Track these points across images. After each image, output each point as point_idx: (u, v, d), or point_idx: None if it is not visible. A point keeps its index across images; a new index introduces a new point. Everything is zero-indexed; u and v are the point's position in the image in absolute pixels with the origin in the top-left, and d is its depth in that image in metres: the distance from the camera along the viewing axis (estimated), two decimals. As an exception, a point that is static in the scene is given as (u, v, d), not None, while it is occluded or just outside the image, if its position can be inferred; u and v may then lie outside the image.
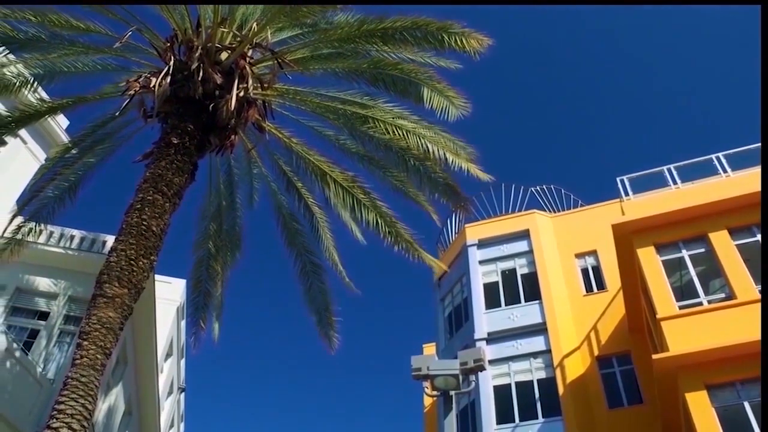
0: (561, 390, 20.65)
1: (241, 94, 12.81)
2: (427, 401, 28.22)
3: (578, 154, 75.12)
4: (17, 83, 14.34)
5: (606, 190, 51.29)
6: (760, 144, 18.43)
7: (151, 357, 21.36)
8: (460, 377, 9.01)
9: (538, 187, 28.06)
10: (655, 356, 15.34)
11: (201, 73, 12.51)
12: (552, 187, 28.44)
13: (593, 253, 24.44)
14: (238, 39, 13.21)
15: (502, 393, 21.47)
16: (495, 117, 71.21)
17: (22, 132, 18.01)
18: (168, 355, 28.49)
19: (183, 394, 35.08)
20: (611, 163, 69.38)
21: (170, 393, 30.95)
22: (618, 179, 20.28)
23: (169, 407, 30.99)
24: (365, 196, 14.53)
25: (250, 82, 12.95)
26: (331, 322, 16.33)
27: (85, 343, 10.12)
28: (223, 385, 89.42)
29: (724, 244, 16.72)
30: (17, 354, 14.97)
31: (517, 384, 21.56)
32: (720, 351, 14.22)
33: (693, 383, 14.45)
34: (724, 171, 18.89)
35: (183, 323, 30.29)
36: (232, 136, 13.65)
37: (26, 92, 14.78)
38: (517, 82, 72.15)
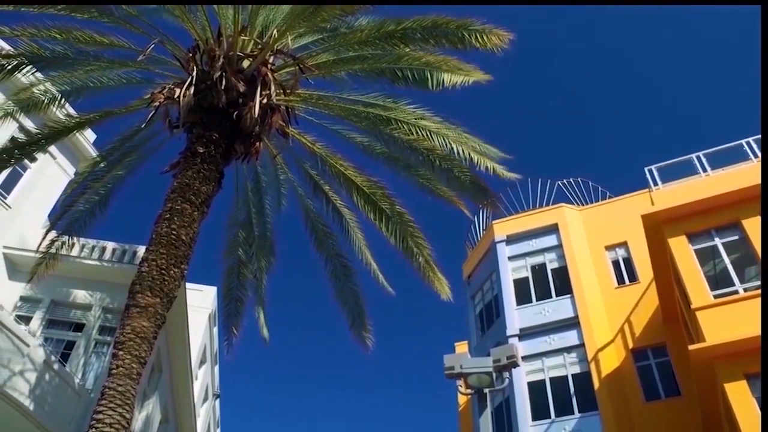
0: (596, 384, 20.46)
1: (264, 100, 12.87)
2: (462, 399, 28.14)
3: (605, 145, 74.35)
4: (45, 100, 14.59)
5: (634, 180, 50.64)
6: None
7: (185, 364, 21.59)
8: (494, 375, 8.94)
9: (565, 181, 27.87)
10: (691, 347, 15.09)
11: (224, 82, 12.60)
12: (579, 179, 28.23)
13: (624, 244, 24.17)
14: (259, 46, 13.28)
15: (536, 389, 21.33)
16: (519, 112, 70.77)
17: (52, 148, 18.33)
18: (202, 362, 28.77)
19: (218, 400, 35.39)
20: (639, 154, 68.54)
21: (205, 399, 31.23)
22: (646, 169, 19.99)
23: (205, 414, 31.27)
24: (389, 205, 14.57)
25: (273, 88, 13.02)
26: (364, 323, 16.34)
27: (121, 353, 10.26)
28: (258, 389, 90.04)
29: (758, 230, 16.39)
30: (55, 366, 15.23)
31: (552, 379, 21.41)
32: (758, 339, 13.92)
33: (732, 373, 14.18)
34: (755, 156, 18.51)
35: (215, 330, 30.56)
36: (257, 143, 13.72)
37: (54, 109, 15.03)
38: (539, 75, 71.66)
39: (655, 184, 19.59)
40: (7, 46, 15.89)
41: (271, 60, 13.60)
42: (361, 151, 15.03)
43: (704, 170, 19.10)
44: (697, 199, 17.46)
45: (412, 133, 13.51)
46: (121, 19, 12.95)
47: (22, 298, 17.90)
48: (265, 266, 17.41)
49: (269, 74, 13.11)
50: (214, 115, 12.84)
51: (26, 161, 18.46)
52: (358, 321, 16.30)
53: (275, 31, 12.89)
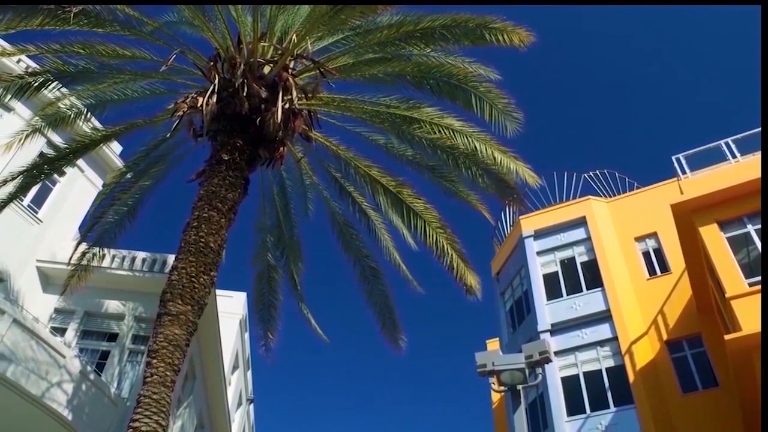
0: (631, 377, 20.21)
1: (286, 106, 12.91)
2: (495, 397, 28.00)
3: (631, 136, 73.54)
4: (72, 115, 14.85)
5: (662, 170, 49.95)
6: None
7: (218, 370, 21.76)
8: (526, 371, 8.91)
9: (591, 173, 27.58)
10: (727, 336, 14.83)
11: (246, 89, 12.68)
12: (605, 171, 27.92)
13: (653, 235, 23.84)
14: (279, 52, 13.34)
15: (570, 384, 21.14)
16: (541, 105, 70.29)
17: (79, 161, 18.60)
18: (234, 367, 28.98)
19: (252, 405, 35.62)
20: (665, 143, 67.64)
21: (239, 405, 31.46)
22: (674, 158, 19.71)
23: (240, 419, 31.51)
24: (416, 204, 14.50)
25: (294, 93, 13.06)
26: (395, 324, 16.30)
27: (154, 361, 10.38)
28: (291, 392, 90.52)
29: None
30: (92, 376, 15.44)
31: (586, 374, 21.20)
32: (796, 327, 13.64)
33: (770, 362, 13.91)
34: (787, 139, 18.11)
35: (246, 335, 30.77)
36: (281, 148, 13.78)
37: (80, 123, 15.27)
38: (561, 67, 71.08)
39: (684, 172, 19.29)
40: (33, 64, 16.20)
41: (291, 65, 13.66)
42: (385, 152, 15.00)
43: (734, 156, 18.76)
44: (727, 186, 17.12)
45: (435, 132, 13.42)
46: (142, 32, 13.10)
47: (56, 310, 18.22)
48: (295, 270, 17.49)
49: (290, 79, 13.16)
50: (237, 122, 12.93)
51: (55, 176, 18.77)
52: (388, 322, 16.27)
53: (294, 36, 12.95)
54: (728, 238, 16.77)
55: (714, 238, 16.86)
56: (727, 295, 15.58)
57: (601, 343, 21.65)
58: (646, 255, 23.77)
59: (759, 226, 16.57)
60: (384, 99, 14.13)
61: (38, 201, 19.60)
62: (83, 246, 16.75)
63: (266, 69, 13.34)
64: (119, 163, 21.24)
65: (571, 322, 22.42)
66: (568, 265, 24.34)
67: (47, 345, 14.57)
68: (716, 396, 18.81)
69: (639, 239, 24.22)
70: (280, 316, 17.90)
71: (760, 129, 18.21)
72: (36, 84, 13.56)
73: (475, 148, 13.22)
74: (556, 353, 20.83)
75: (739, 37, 60.60)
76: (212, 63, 13.33)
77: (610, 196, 26.57)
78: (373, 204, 15.49)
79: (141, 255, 19.26)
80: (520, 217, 26.14)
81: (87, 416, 14.78)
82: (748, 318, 14.63)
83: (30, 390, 13.72)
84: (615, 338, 21.40)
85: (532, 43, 12.00)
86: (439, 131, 13.35)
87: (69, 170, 19.43)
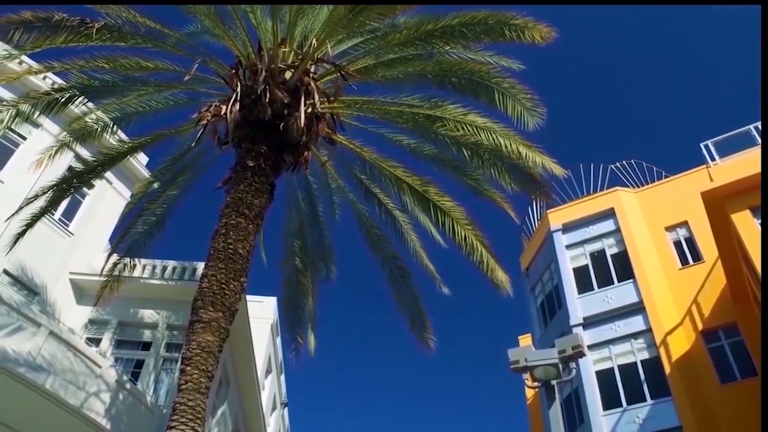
0: (667, 369, 19.97)
1: (309, 110, 12.93)
2: (529, 393, 27.87)
3: (656, 125, 72.57)
4: (98, 129, 15.04)
5: (690, 158, 49.23)
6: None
7: (251, 376, 21.89)
8: (560, 366, 8.82)
9: (617, 164, 27.29)
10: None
11: (268, 95, 12.70)
12: (632, 161, 27.62)
13: (684, 224, 23.53)
14: (300, 57, 13.35)
15: (605, 378, 20.95)
16: (565, 98, 69.68)
17: (107, 173, 18.84)
18: (267, 372, 29.14)
19: (286, 409, 35.79)
20: (692, 131, 66.60)
21: (274, 409, 31.61)
22: (702, 145, 19.46)
23: (274, 423, 31.65)
24: (443, 202, 14.43)
25: (317, 97, 13.06)
26: (425, 324, 16.26)
27: (188, 368, 10.47)
28: (325, 395, 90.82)
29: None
30: (128, 385, 15.62)
31: (620, 367, 21.00)
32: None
33: (810, 349, 13.64)
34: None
35: (278, 339, 30.92)
36: (305, 153, 13.79)
37: (107, 136, 15.46)
38: (584, 59, 70.42)
39: (713, 159, 19.05)
40: (59, 80, 16.46)
41: (312, 69, 13.66)
42: (409, 153, 14.96)
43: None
44: (758, 171, 16.82)
45: (459, 130, 13.36)
46: (164, 43, 13.22)
47: (90, 321, 18.47)
48: (321, 275, 17.55)
49: (312, 83, 13.17)
50: (260, 128, 12.98)
51: (84, 189, 19.03)
52: (418, 322, 16.24)
53: (314, 40, 12.96)
54: (762, 224, 16.48)
55: (747, 225, 16.59)
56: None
57: (635, 336, 21.44)
58: (678, 244, 23.47)
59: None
60: (406, 99, 14.08)
61: (69, 214, 19.91)
62: (114, 257, 16.98)
63: (287, 74, 13.37)
64: (146, 173, 21.48)
65: (603, 315, 22.23)
66: (598, 257, 24.13)
67: (83, 356, 14.76)
68: (755, 385, 18.47)
69: (669, 229, 23.92)
70: (310, 318, 17.94)
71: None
72: (62, 100, 13.74)
73: (500, 143, 13.12)
74: (590, 347, 20.66)
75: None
76: (234, 71, 13.40)
77: (638, 187, 26.27)
78: (399, 205, 15.49)
79: (171, 264, 19.44)
80: (548, 211, 25.97)
81: (125, 425, 14.95)
82: (785, 305, 14.36)
83: (69, 401, 13.90)
84: (649, 330, 21.17)
85: (554, 38, 11.88)
86: (463, 128, 13.30)
87: (97, 183, 19.67)
